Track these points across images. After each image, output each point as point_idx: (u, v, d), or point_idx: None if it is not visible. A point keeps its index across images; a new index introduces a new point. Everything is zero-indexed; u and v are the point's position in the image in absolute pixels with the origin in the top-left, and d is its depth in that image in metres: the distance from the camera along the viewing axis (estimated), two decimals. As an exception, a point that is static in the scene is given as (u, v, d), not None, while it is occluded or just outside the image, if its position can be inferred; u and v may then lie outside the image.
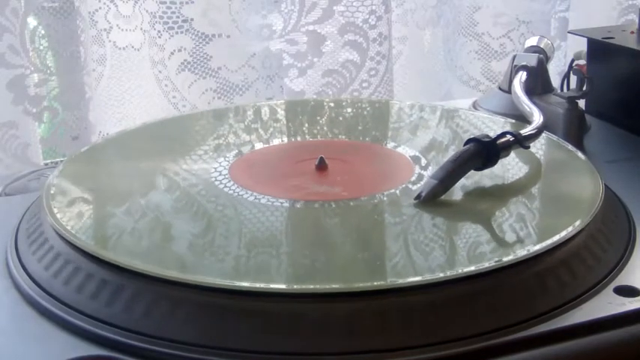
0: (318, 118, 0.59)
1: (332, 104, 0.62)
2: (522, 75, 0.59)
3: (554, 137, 0.51)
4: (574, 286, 0.36)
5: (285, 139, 0.53)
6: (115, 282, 0.35)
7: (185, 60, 0.72)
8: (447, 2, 0.83)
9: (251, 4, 0.73)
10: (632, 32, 0.62)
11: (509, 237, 0.39)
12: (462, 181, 0.43)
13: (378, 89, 0.77)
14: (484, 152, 0.44)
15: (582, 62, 0.62)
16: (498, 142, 0.45)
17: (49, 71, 0.68)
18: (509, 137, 0.46)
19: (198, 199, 0.44)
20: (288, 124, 0.58)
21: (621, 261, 0.38)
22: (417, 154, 0.49)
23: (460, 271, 0.35)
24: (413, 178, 0.45)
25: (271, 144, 0.52)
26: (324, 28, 0.75)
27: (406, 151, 0.50)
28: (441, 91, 0.87)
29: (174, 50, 0.71)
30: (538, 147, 0.49)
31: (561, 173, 0.47)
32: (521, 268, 0.35)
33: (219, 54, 0.72)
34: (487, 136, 0.45)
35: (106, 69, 0.71)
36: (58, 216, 0.40)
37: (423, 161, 0.48)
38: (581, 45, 0.63)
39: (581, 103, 0.59)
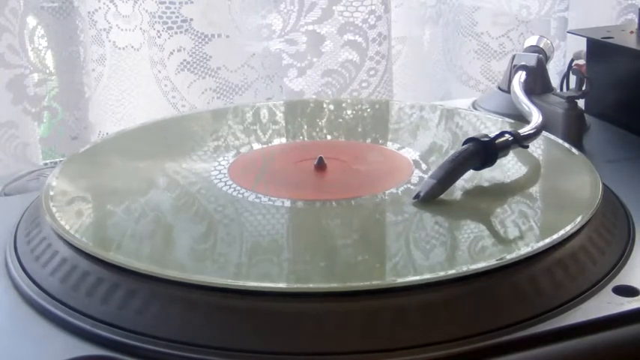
0: (317, 118, 0.59)
1: (331, 104, 0.62)
2: (522, 75, 0.59)
3: (554, 137, 0.51)
4: (573, 286, 0.36)
5: (285, 139, 0.53)
6: (115, 282, 0.35)
7: (184, 60, 0.72)
8: (446, 2, 0.83)
9: (250, 4, 0.73)
10: (632, 32, 0.62)
11: (508, 236, 0.39)
12: (461, 181, 0.43)
13: (377, 89, 0.77)
14: (483, 152, 0.44)
15: (582, 62, 0.62)
16: (497, 141, 0.45)
17: (48, 71, 0.68)
18: (507, 137, 0.46)
19: (198, 199, 0.44)
20: (287, 124, 0.58)
21: (620, 261, 0.38)
22: (417, 154, 0.49)
23: (459, 270, 0.35)
24: (412, 178, 0.45)
25: (270, 144, 0.52)
26: (324, 27, 0.75)
27: (405, 150, 0.50)
28: (440, 90, 0.87)
29: (174, 50, 0.71)
30: (537, 147, 0.49)
31: (560, 173, 0.47)
32: (521, 268, 0.35)
33: (219, 54, 0.72)
34: (486, 135, 0.45)
35: (106, 69, 0.71)
36: (57, 216, 0.40)
37: (422, 161, 0.48)
38: (581, 45, 0.63)
39: (581, 102, 0.59)
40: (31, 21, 0.66)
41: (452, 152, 0.44)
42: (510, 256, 0.36)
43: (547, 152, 0.50)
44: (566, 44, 0.84)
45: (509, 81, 0.60)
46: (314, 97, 0.76)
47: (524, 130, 0.47)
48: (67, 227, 0.39)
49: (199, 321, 0.33)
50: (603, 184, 0.43)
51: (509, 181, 0.46)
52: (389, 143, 0.52)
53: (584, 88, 0.60)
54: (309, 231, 0.40)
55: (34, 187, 0.50)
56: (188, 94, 0.73)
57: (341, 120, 0.58)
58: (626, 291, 0.36)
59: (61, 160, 0.58)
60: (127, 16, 0.70)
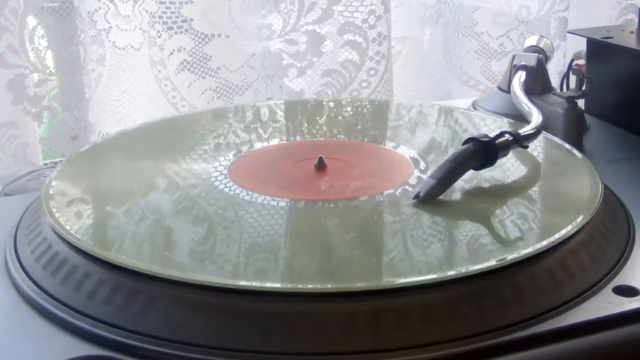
0: (317, 117, 0.59)
1: (331, 104, 0.62)
2: (522, 75, 0.59)
3: (554, 137, 0.51)
4: (573, 286, 0.36)
5: (285, 139, 0.53)
6: (115, 282, 0.35)
7: (184, 60, 0.72)
8: (446, 2, 0.83)
9: (250, 4, 0.73)
10: (632, 32, 0.62)
11: (508, 237, 0.39)
12: (461, 181, 0.43)
13: (377, 89, 0.77)
14: (483, 152, 0.44)
15: (582, 62, 0.62)
16: (497, 141, 0.45)
17: (48, 71, 0.68)
18: (507, 137, 0.46)
19: (197, 199, 0.44)
20: (287, 123, 0.58)
21: (620, 261, 0.38)
22: (416, 154, 0.49)
23: (459, 270, 0.35)
24: (412, 178, 0.45)
25: (270, 144, 0.52)
26: (324, 27, 0.75)
27: (405, 150, 0.50)
28: (440, 90, 0.87)
29: (174, 50, 0.71)
30: (537, 147, 0.49)
31: (560, 173, 0.47)
32: (520, 268, 0.35)
33: (219, 54, 0.72)
34: (486, 135, 0.45)
35: (106, 69, 0.71)
36: (57, 216, 0.40)
37: (422, 161, 0.48)
38: (581, 45, 0.63)
39: (581, 102, 0.59)
40: (31, 21, 0.66)
41: (452, 152, 0.44)
42: (511, 256, 0.36)
43: (547, 152, 0.50)
44: (566, 44, 0.84)
45: (509, 81, 0.60)
46: (314, 97, 0.76)
47: (524, 130, 0.47)
48: (67, 227, 0.39)
49: (199, 321, 0.33)
50: (603, 184, 0.43)
51: (509, 181, 0.46)
52: (389, 143, 0.52)
53: (584, 88, 0.60)
54: (309, 231, 0.40)
55: (34, 187, 0.50)
56: (188, 94, 0.73)
57: (341, 119, 0.58)
58: (626, 291, 0.36)
59: (61, 160, 0.58)
60: (127, 16, 0.70)
